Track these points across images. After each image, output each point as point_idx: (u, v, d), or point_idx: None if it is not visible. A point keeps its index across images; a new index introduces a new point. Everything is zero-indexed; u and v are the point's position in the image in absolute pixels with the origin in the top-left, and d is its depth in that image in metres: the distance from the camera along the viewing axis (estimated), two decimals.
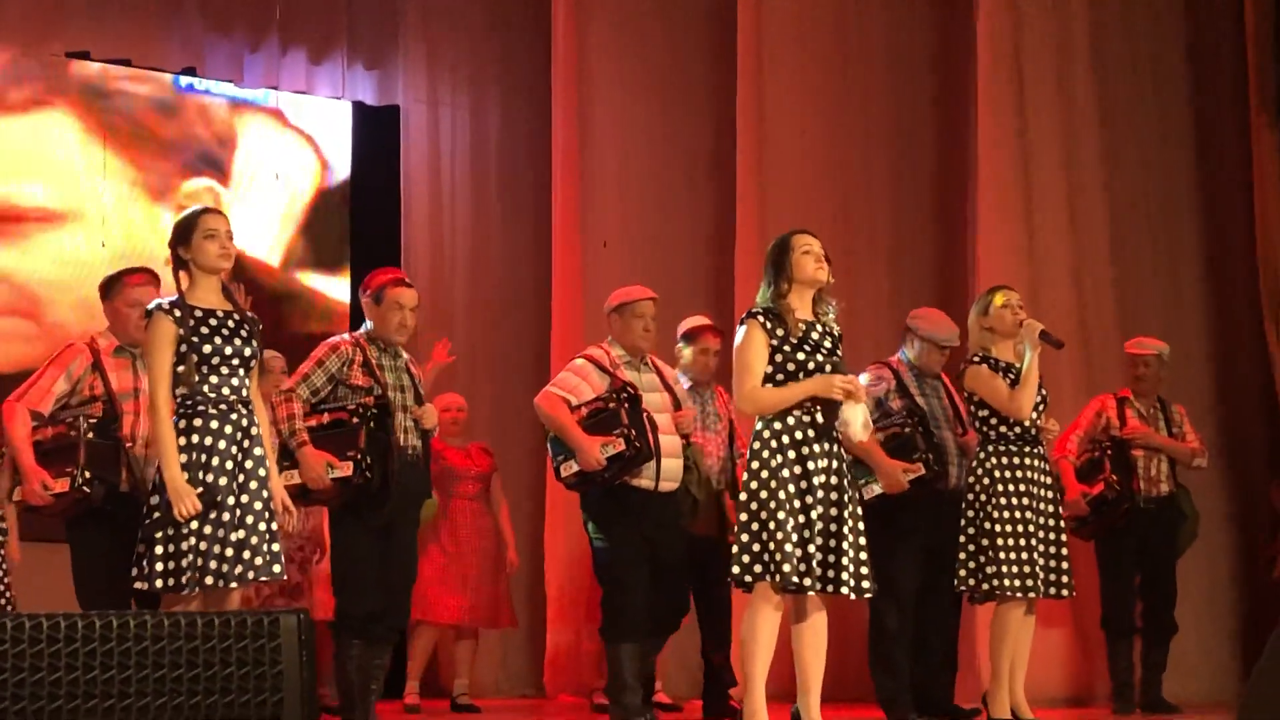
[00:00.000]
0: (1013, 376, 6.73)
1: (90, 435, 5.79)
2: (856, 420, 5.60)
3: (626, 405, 6.77)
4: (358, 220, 10.93)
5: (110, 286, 6.25)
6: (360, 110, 10.97)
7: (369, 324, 6.61)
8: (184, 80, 10.45)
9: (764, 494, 5.49)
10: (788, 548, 5.42)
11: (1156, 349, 8.38)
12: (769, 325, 5.63)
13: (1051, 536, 6.73)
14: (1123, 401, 8.33)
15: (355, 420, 6.33)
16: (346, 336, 6.66)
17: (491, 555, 8.74)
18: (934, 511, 6.98)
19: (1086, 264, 9.64)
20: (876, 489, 6.96)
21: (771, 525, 5.44)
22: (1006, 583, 6.58)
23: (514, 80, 10.97)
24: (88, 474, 5.76)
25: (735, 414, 7.35)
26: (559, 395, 6.92)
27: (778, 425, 5.56)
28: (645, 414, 6.80)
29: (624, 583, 6.87)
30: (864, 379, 7.07)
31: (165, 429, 5.27)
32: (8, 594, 7.84)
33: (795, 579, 5.45)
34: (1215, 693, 9.09)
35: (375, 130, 10.95)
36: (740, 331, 5.70)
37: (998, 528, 6.62)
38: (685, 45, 10.53)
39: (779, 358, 5.62)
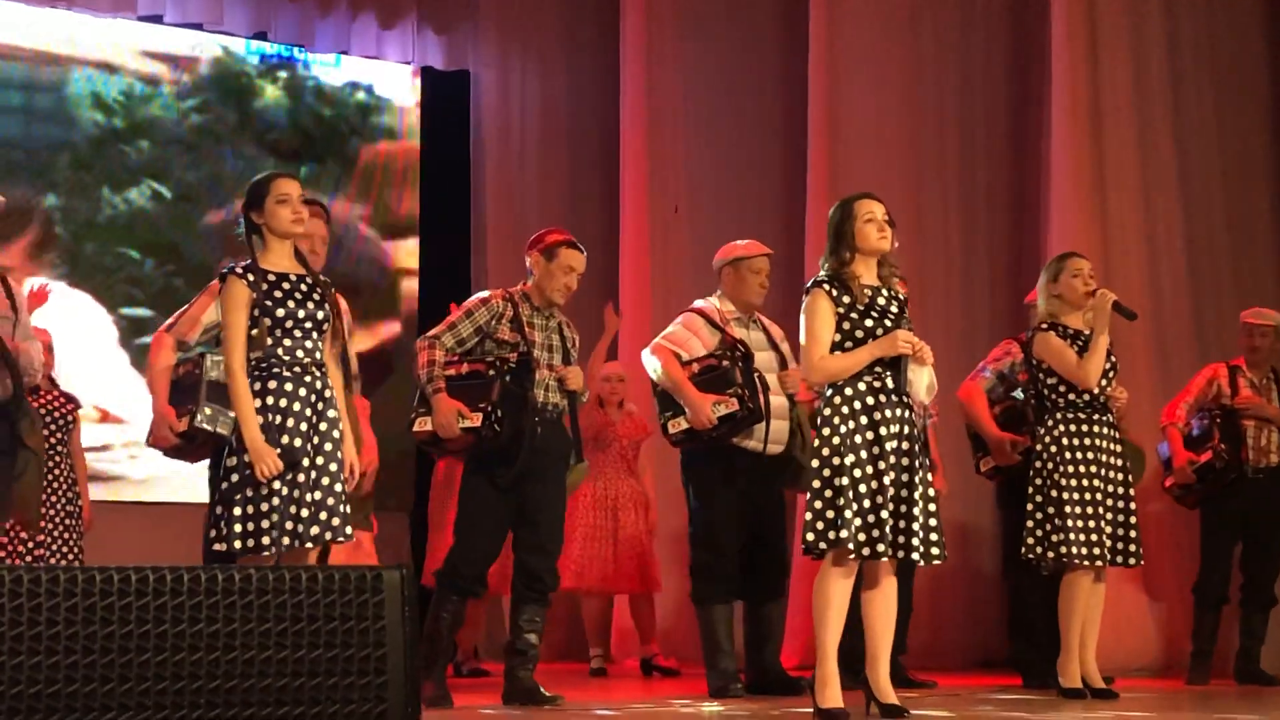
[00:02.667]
0: (1081, 344, 6.67)
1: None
2: (921, 382, 5.54)
3: (740, 363, 6.67)
4: (428, 185, 10.97)
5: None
6: (430, 75, 10.99)
7: (530, 280, 6.45)
8: (254, 45, 10.52)
9: (835, 460, 5.43)
10: (857, 514, 5.38)
11: (1275, 319, 8.28)
12: (834, 293, 5.57)
13: (1120, 505, 6.66)
14: (1235, 370, 8.23)
15: (492, 373, 6.23)
16: (500, 290, 6.50)
17: (639, 521, 8.77)
18: None
19: (1159, 232, 9.53)
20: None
21: (843, 492, 5.40)
22: (1073, 550, 6.53)
23: (583, 44, 10.97)
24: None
25: None
26: (670, 349, 6.82)
27: (848, 390, 5.50)
28: (756, 373, 6.70)
29: (717, 546, 6.82)
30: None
31: (242, 391, 5.30)
32: (71, 555, 7.94)
33: (866, 545, 5.42)
34: None
35: (444, 95, 10.99)
36: (806, 301, 5.65)
37: (1065, 495, 6.56)
38: (756, 6, 10.48)
39: (846, 325, 5.55)
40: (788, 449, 6.84)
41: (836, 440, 5.45)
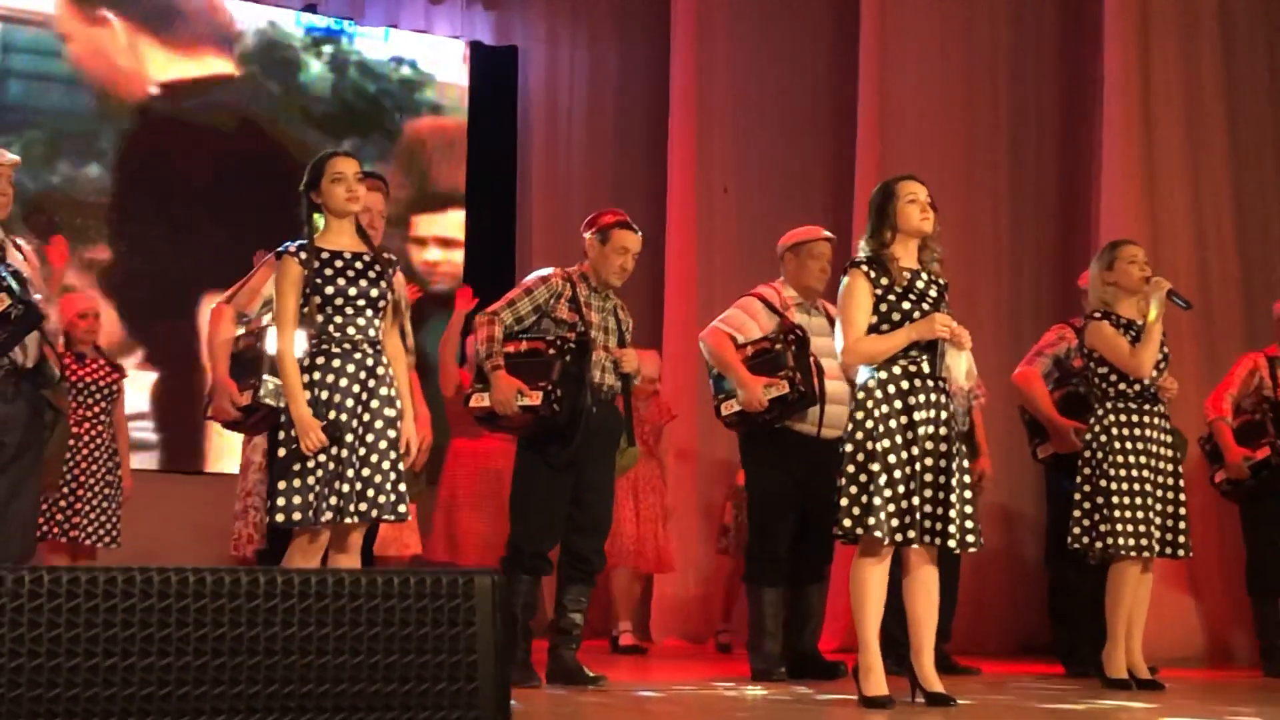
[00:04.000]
0: (1134, 334, 6.61)
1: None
2: (960, 367, 5.50)
3: (794, 347, 6.63)
4: (474, 160, 10.95)
5: None
6: (478, 50, 10.97)
7: (586, 261, 6.45)
8: (304, 17, 10.52)
9: (869, 445, 5.39)
10: (890, 500, 5.35)
11: None
12: (873, 275, 5.52)
13: (1170, 496, 6.60)
14: (1273, 361, 8.12)
15: (551, 352, 6.22)
16: (559, 270, 6.49)
17: (658, 503, 8.85)
18: None
19: (1208, 223, 9.46)
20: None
21: (875, 478, 5.37)
22: (1121, 541, 6.48)
23: (632, 21, 10.94)
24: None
25: None
26: (725, 331, 6.81)
27: (882, 375, 5.47)
28: (812, 357, 6.66)
29: (770, 529, 6.82)
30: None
31: (290, 367, 5.31)
32: (109, 524, 7.96)
33: (898, 532, 5.38)
34: None
35: (492, 70, 10.97)
36: (844, 282, 5.60)
37: (1114, 485, 6.51)
38: None
39: (884, 307, 5.50)
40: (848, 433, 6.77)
41: (870, 424, 5.41)
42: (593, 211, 6.70)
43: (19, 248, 5.51)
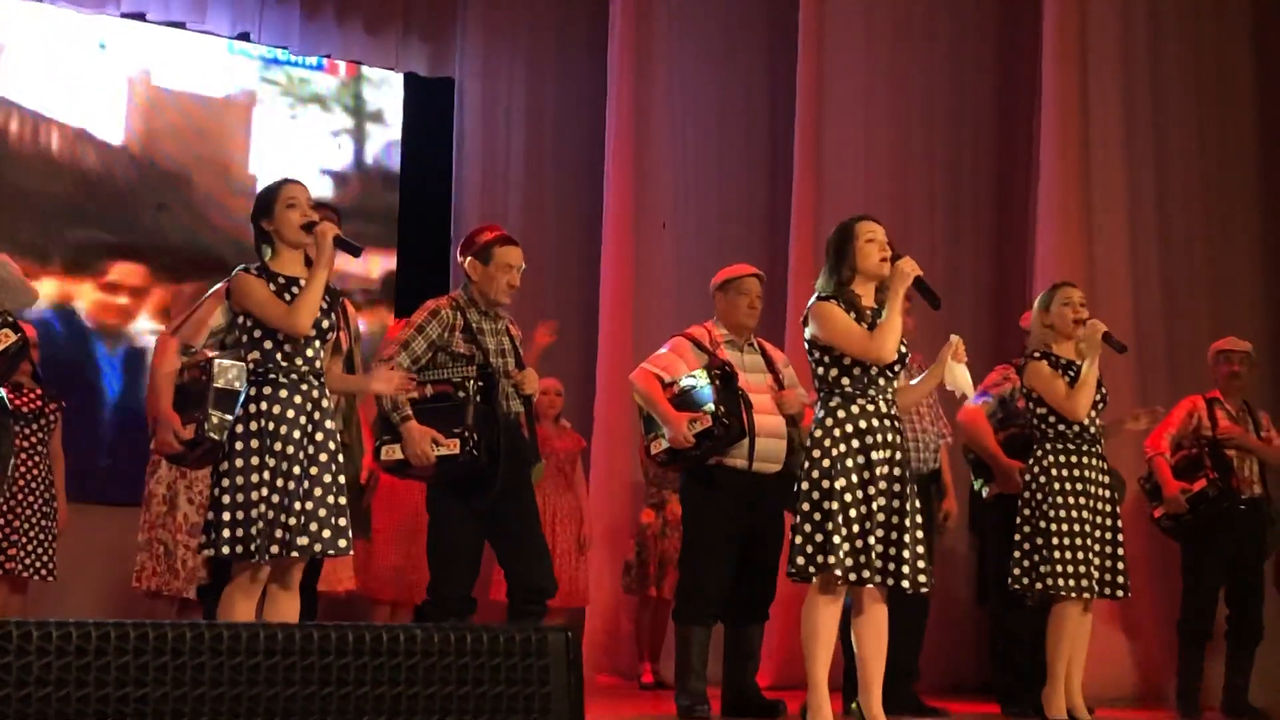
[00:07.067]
0: (1073, 374, 6.66)
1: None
2: (965, 377, 5.63)
3: (719, 382, 6.59)
4: (407, 193, 10.89)
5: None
6: (413, 81, 10.93)
7: (468, 284, 6.34)
8: (236, 46, 10.44)
9: (825, 483, 5.41)
10: (845, 539, 5.36)
11: (1249, 347, 8.30)
12: (843, 305, 5.55)
13: (1108, 537, 6.65)
14: (1212, 403, 8.20)
15: (461, 395, 6.09)
16: (445, 299, 6.36)
17: (573, 535, 8.80)
18: None
19: (1139, 265, 9.54)
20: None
21: (832, 516, 5.37)
22: (1061, 582, 6.52)
23: (571, 56, 10.94)
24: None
25: None
26: (652, 372, 6.76)
27: (841, 414, 5.49)
28: (740, 391, 6.62)
29: (699, 564, 6.75)
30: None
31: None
32: (45, 557, 7.84)
33: (854, 571, 5.39)
34: None
35: (428, 102, 10.93)
36: (814, 316, 5.55)
37: (1053, 526, 6.55)
38: (745, 23, 10.48)
39: None
40: (786, 468, 6.75)
41: (827, 463, 5.43)
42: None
43: None
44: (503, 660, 3.67)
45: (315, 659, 3.50)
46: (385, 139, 10.91)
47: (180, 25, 10.15)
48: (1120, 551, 6.68)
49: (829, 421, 5.49)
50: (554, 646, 3.75)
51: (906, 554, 5.44)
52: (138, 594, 7.75)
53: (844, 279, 5.61)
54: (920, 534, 5.54)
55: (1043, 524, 6.58)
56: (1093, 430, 6.69)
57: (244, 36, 10.39)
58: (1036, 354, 6.77)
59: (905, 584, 5.44)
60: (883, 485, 5.46)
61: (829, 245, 5.70)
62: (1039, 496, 6.62)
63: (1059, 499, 6.58)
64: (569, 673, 3.75)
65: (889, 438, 5.50)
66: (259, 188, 5.80)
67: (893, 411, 5.56)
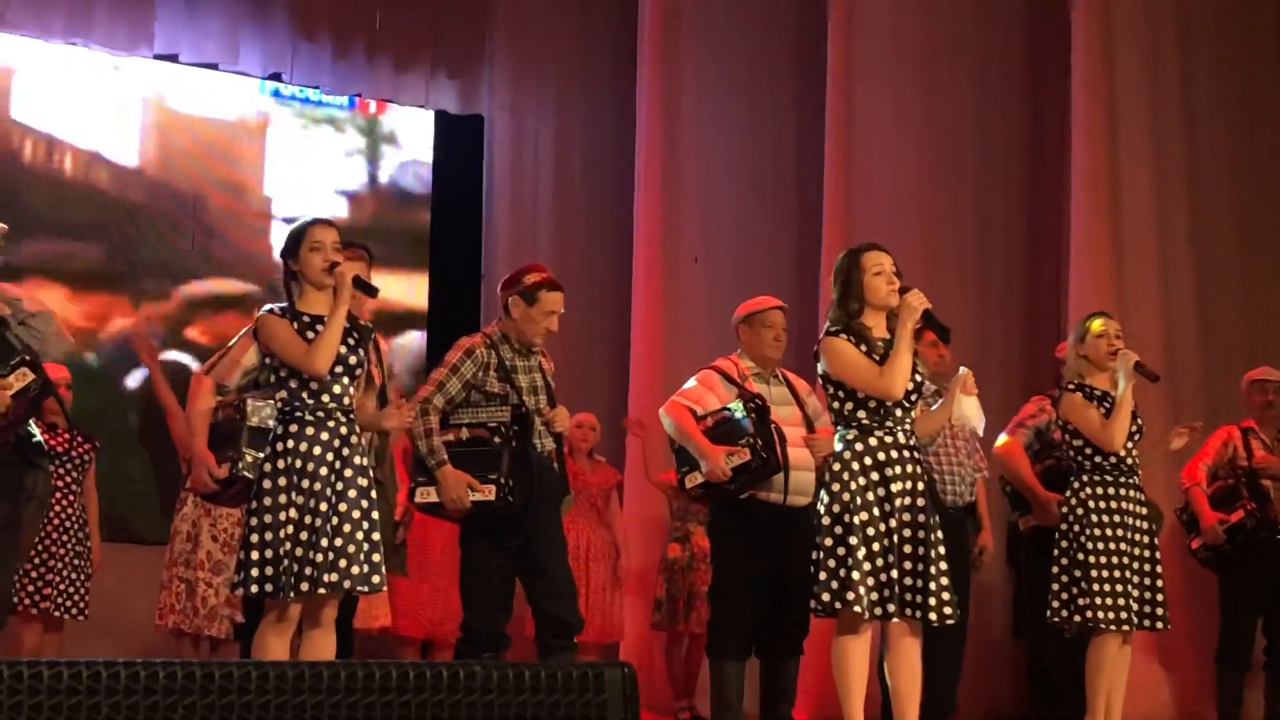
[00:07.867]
0: (1108, 405, 6.63)
1: None
2: (974, 409, 5.57)
3: (754, 415, 6.57)
4: (438, 230, 10.91)
5: None
6: (443, 119, 10.96)
7: (505, 320, 6.32)
8: (269, 85, 10.49)
9: (847, 517, 5.39)
10: (868, 574, 5.32)
11: None
12: (852, 339, 5.54)
13: (1146, 568, 6.61)
14: (1247, 432, 8.20)
15: (497, 441, 6.08)
16: (479, 337, 6.35)
17: (607, 570, 8.77)
18: None
19: (1173, 292, 9.51)
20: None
21: (853, 551, 5.34)
22: (1100, 615, 6.47)
23: (600, 92, 10.95)
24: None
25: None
26: (684, 405, 6.73)
27: (859, 446, 5.47)
28: (773, 425, 6.59)
29: (731, 598, 6.72)
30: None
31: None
32: (76, 595, 7.85)
33: (878, 606, 5.36)
34: None
35: (458, 140, 10.94)
36: (824, 352, 5.55)
37: (1091, 559, 6.51)
38: (774, 57, 10.46)
39: None
40: (816, 501, 6.72)
41: (847, 497, 5.41)
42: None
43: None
44: (560, 697, 3.66)
45: (376, 697, 3.50)
46: (417, 176, 10.93)
47: (213, 66, 10.19)
48: (1159, 583, 6.64)
49: (847, 455, 5.47)
50: (610, 682, 3.73)
51: (932, 585, 5.41)
52: (162, 631, 7.77)
53: (852, 311, 5.59)
54: (944, 565, 5.50)
55: (1081, 556, 6.54)
56: (1130, 461, 6.65)
57: (276, 77, 10.43)
58: (1071, 385, 6.73)
59: (932, 616, 5.41)
60: (905, 517, 5.43)
61: (835, 275, 5.68)
62: (1076, 528, 6.58)
63: (1097, 531, 6.54)
64: (626, 708, 3.74)
65: (908, 469, 5.48)
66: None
67: (911, 442, 5.54)
